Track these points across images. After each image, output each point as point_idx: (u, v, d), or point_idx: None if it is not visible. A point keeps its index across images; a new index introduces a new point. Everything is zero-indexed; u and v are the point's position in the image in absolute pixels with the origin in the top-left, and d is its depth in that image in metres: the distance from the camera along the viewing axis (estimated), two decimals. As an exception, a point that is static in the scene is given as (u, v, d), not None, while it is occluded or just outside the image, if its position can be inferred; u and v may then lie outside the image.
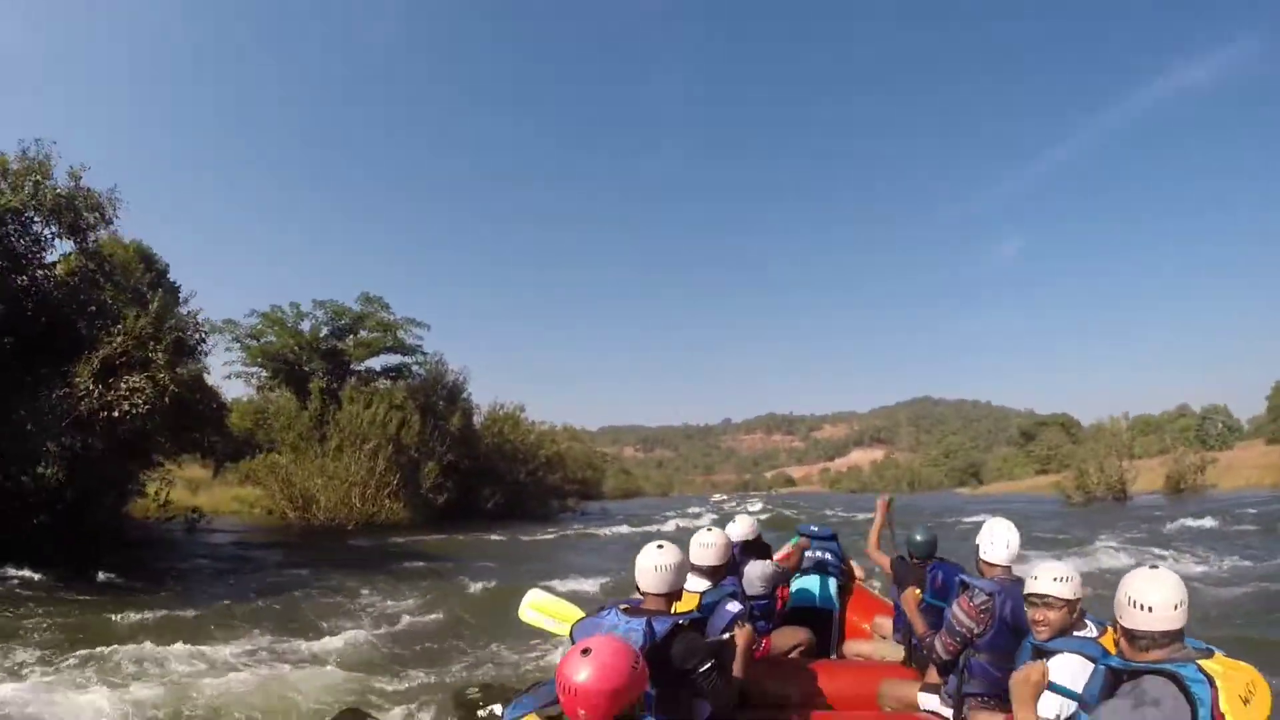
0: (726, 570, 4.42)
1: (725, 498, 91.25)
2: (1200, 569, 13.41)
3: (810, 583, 5.90)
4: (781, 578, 5.37)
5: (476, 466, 31.98)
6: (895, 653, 5.14)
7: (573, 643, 2.79)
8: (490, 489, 32.30)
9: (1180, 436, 50.77)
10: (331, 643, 8.53)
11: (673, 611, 3.31)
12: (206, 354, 17.93)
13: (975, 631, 3.77)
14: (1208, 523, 21.76)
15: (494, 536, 23.99)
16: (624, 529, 27.74)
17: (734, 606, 3.78)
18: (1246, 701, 2.20)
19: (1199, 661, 2.27)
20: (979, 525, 4.35)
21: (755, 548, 5.44)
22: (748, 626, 3.84)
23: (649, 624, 3.03)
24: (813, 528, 6.37)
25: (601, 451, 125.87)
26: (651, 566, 3.29)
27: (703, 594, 3.95)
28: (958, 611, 3.83)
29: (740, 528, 5.43)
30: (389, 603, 11.01)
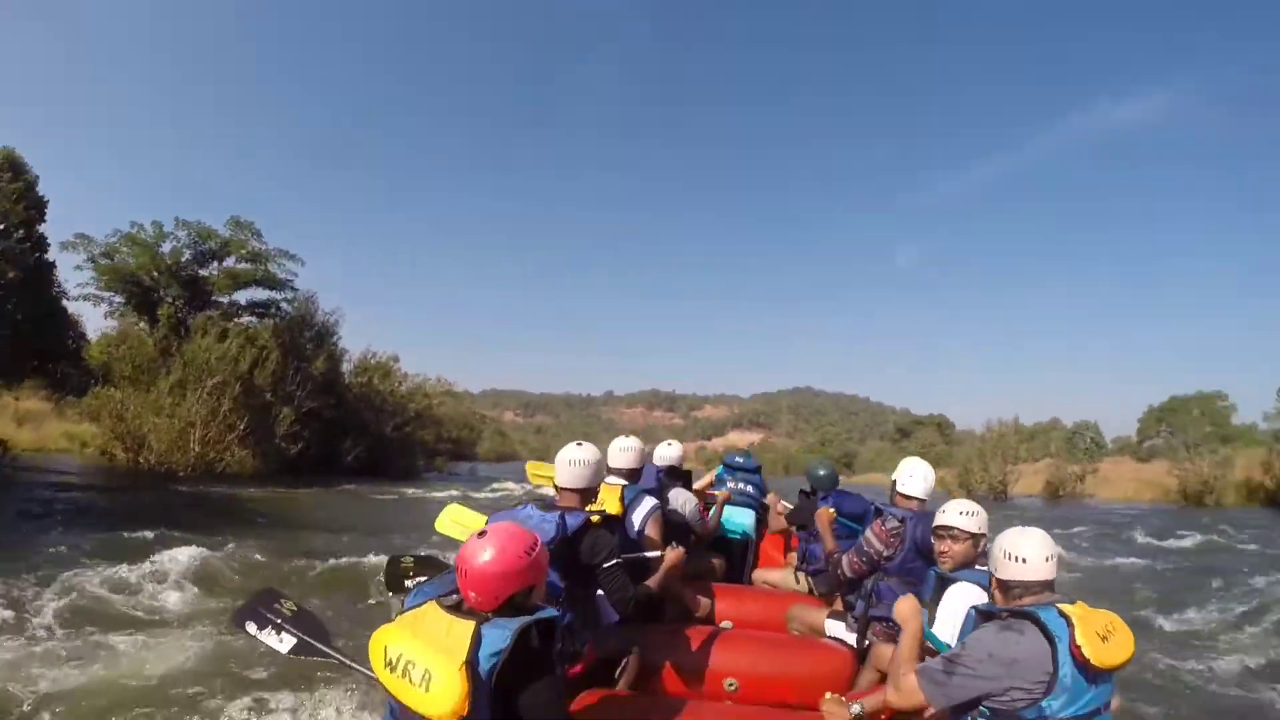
0: (640, 476, 4.57)
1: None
2: (1072, 573, 13.04)
3: (730, 512, 5.90)
4: (696, 522, 5.17)
5: (339, 416, 29.59)
6: (802, 583, 5.29)
7: None
8: (353, 441, 29.99)
9: (1063, 445, 53.10)
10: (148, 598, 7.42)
11: (586, 509, 3.36)
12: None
13: (884, 555, 3.96)
14: (1083, 527, 21.79)
15: (350, 490, 22.14)
16: (491, 494, 25.65)
17: (650, 502, 4.20)
18: (1105, 639, 2.31)
19: (1059, 605, 2.41)
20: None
21: (679, 475, 5.55)
22: (681, 549, 3.86)
23: (562, 518, 3.16)
24: (738, 459, 6.34)
25: (480, 413, 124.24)
26: (567, 461, 3.37)
27: (624, 488, 4.15)
28: (869, 535, 4.02)
29: (670, 452, 5.65)
30: (213, 558, 9.13)
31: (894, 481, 4.27)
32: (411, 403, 34.64)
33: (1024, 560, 2.53)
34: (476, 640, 2.20)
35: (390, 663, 2.25)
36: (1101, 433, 72.81)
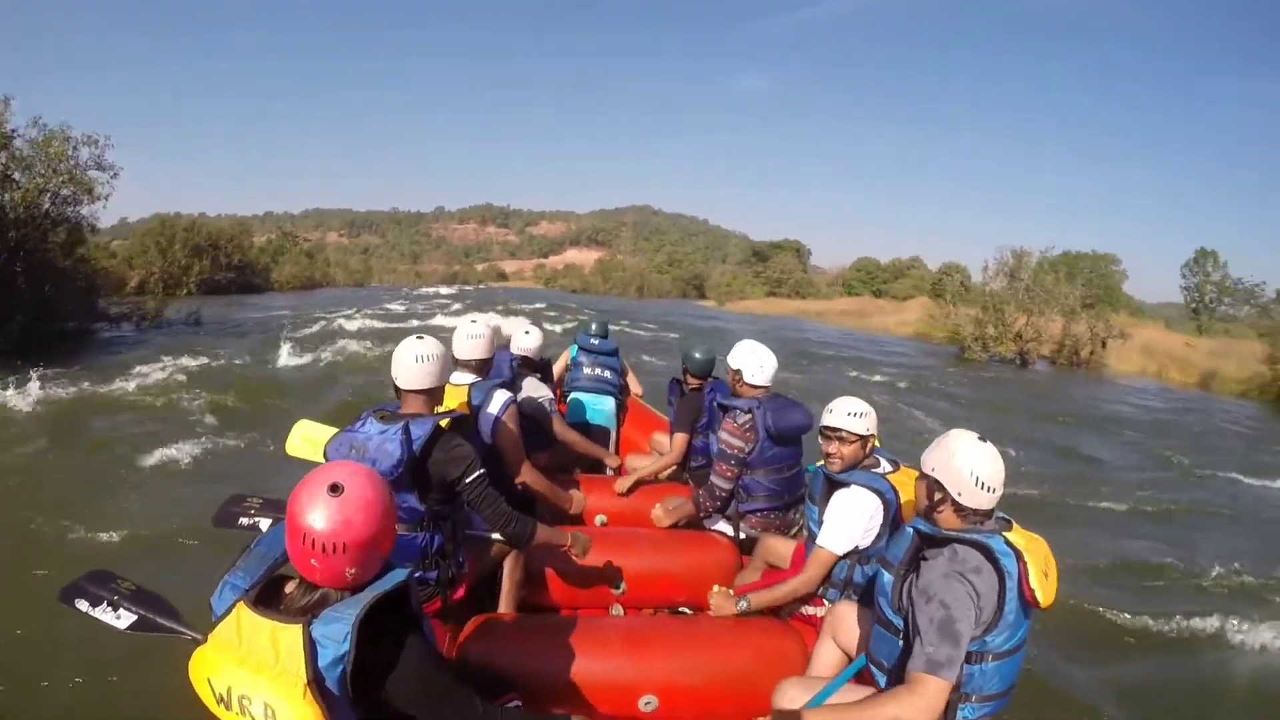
0: (491, 368, 3.98)
1: (451, 290, 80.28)
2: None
3: (588, 400, 5.62)
4: (550, 417, 4.71)
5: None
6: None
7: (326, 462, 2.39)
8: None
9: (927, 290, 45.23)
10: None
11: (434, 413, 2.86)
12: None
13: (745, 450, 3.83)
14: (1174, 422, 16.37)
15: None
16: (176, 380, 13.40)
17: (503, 396, 3.58)
18: (1046, 575, 2.23)
19: (1004, 534, 2.26)
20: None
21: (535, 366, 5.03)
22: (513, 422, 3.51)
23: (405, 430, 2.62)
24: (592, 341, 5.82)
25: (298, 235, 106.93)
26: (411, 358, 2.83)
27: (471, 386, 3.59)
28: (725, 436, 3.87)
29: (527, 341, 4.98)
30: None
31: (737, 370, 3.99)
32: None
33: (992, 490, 2.30)
34: (311, 648, 1.62)
35: (222, 699, 1.68)
36: (971, 278, 68.80)
